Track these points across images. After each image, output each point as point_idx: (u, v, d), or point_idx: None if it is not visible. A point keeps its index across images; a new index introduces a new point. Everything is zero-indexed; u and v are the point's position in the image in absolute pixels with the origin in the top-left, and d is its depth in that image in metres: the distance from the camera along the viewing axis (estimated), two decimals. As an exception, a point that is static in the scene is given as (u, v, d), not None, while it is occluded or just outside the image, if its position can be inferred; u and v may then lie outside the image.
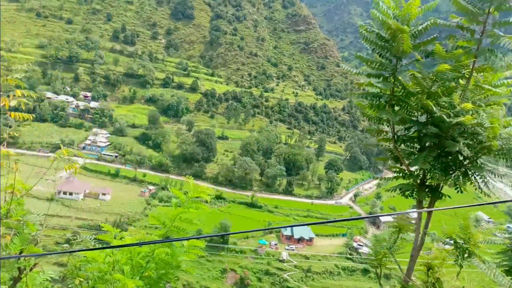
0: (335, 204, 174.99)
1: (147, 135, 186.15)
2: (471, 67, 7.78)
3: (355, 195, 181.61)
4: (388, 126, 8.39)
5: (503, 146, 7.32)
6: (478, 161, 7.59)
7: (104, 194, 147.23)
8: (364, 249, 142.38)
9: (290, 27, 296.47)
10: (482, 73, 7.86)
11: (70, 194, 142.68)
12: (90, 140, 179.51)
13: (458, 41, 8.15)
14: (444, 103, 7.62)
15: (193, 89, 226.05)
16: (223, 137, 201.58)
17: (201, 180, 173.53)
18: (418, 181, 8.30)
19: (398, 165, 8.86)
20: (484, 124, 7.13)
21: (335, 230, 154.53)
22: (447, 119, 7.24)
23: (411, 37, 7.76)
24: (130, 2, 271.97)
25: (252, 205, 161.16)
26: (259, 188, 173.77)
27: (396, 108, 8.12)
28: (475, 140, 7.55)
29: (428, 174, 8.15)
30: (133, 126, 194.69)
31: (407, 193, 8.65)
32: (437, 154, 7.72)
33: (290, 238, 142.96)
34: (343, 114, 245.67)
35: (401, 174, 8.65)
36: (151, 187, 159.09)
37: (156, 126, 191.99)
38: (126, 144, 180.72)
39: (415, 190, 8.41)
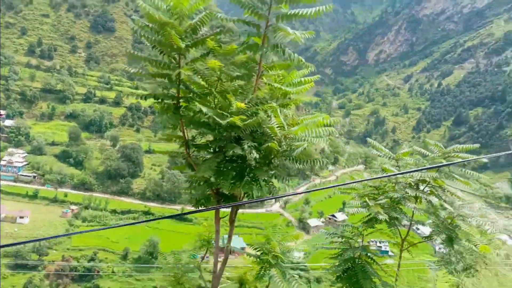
0: (265, 212, 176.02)
1: (68, 152, 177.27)
2: (258, 63, 7.37)
3: (285, 202, 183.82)
4: (180, 131, 7.82)
5: (288, 147, 6.96)
6: (271, 164, 7.19)
7: (21, 217, 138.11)
8: (294, 255, 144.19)
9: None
10: (279, 71, 7.49)
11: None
12: (5, 160, 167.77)
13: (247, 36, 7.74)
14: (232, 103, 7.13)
15: (117, 103, 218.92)
16: (150, 151, 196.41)
17: (127, 196, 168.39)
18: (214, 190, 7.77)
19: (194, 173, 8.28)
20: (269, 124, 6.71)
21: (265, 239, 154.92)
22: (220, 121, 6.75)
23: (191, 32, 7.23)
24: (46, 15, 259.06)
25: (182, 218, 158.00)
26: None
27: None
28: (264, 142, 7.14)
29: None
30: (53, 143, 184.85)
31: (200, 202, 8.09)
32: (224, 159, 7.22)
33: (221, 249, 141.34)
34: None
35: (194, 183, 8.07)
36: (73, 207, 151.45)
37: (78, 143, 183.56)
38: (45, 163, 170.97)
39: (210, 199, 7.88)
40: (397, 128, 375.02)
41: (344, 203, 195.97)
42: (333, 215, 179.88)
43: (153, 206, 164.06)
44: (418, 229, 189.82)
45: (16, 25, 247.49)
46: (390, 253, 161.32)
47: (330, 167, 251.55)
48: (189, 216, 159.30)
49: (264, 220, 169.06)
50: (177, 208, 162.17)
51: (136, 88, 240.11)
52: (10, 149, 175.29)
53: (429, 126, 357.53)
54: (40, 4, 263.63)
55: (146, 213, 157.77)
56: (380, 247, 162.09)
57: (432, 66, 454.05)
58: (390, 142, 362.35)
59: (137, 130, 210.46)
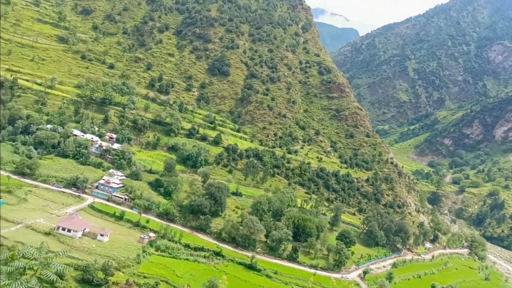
0: (340, 279, 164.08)
1: (160, 181, 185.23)
2: None
3: (365, 272, 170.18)
4: None
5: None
6: None
7: (102, 235, 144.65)
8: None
9: (323, 93, 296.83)
10: None
11: (69, 231, 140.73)
12: (104, 180, 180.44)
13: None
14: None
15: (216, 142, 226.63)
16: (237, 193, 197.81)
17: (204, 233, 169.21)
18: None
19: None
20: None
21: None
22: None
23: None
24: (171, 55, 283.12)
25: (250, 267, 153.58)
26: (262, 250, 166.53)
27: None
28: None
29: None
30: (150, 171, 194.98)
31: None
32: None
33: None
34: (367, 185, 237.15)
35: None
36: (151, 234, 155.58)
37: (171, 174, 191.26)
38: (138, 188, 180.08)
39: None
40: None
41: (433, 287, 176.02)
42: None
43: (226, 248, 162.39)
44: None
45: (144, 60, 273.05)
46: None
47: (427, 244, 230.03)
48: (259, 265, 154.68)
49: (338, 287, 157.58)
50: (248, 255, 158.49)
51: (238, 130, 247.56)
52: (111, 170, 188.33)
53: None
54: (168, 44, 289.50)
55: (217, 254, 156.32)
56: None
57: None
58: (507, 229, 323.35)
59: (230, 171, 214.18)
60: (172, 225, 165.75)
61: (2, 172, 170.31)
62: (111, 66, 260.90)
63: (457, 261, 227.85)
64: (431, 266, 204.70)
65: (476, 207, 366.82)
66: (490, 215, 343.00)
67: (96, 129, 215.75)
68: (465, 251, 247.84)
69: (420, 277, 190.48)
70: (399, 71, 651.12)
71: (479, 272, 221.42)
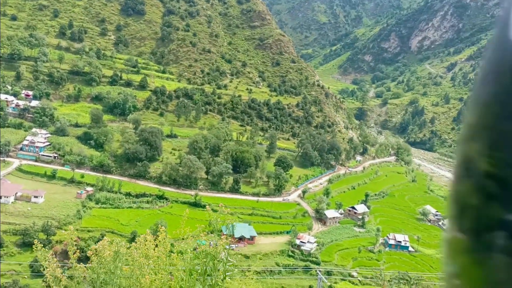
0: (282, 201, 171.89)
1: (89, 134, 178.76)
2: None
3: (304, 192, 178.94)
4: None
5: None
6: None
7: (36, 196, 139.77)
8: (307, 246, 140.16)
9: (245, 22, 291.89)
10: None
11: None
12: (28, 140, 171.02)
13: None
14: None
15: (142, 86, 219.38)
16: (171, 135, 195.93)
17: (144, 180, 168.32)
18: None
19: None
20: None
21: (278, 228, 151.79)
22: None
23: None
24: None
25: (195, 204, 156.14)
26: (204, 187, 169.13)
27: None
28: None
29: None
30: (76, 125, 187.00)
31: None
32: None
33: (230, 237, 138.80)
34: (297, 110, 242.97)
35: None
36: (88, 188, 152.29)
37: (99, 125, 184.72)
38: (66, 144, 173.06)
39: None
40: (436, 118, 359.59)
41: (367, 195, 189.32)
42: (353, 207, 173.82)
43: (168, 190, 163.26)
44: (444, 224, 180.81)
45: (49, 8, 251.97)
46: (410, 249, 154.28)
47: (358, 157, 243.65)
48: (203, 202, 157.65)
49: (280, 209, 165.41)
50: (192, 194, 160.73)
51: (163, 72, 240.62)
52: (34, 130, 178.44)
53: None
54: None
55: (160, 197, 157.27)
56: (400, 242, 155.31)
57: (478, 54, 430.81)
58: (428, 133, 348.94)
59: (161, 114, 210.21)
60: (109, 176, 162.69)
61: None
62: (14, 18, 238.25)
63: (386, 168, 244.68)
64: (363, 177, 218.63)
65: (399, 116, 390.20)
66: (412, 122, 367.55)
67: (9, 87, 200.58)
68: (393, 158, 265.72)
69: (354, 188, 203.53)
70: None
71: (406, 176, 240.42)
